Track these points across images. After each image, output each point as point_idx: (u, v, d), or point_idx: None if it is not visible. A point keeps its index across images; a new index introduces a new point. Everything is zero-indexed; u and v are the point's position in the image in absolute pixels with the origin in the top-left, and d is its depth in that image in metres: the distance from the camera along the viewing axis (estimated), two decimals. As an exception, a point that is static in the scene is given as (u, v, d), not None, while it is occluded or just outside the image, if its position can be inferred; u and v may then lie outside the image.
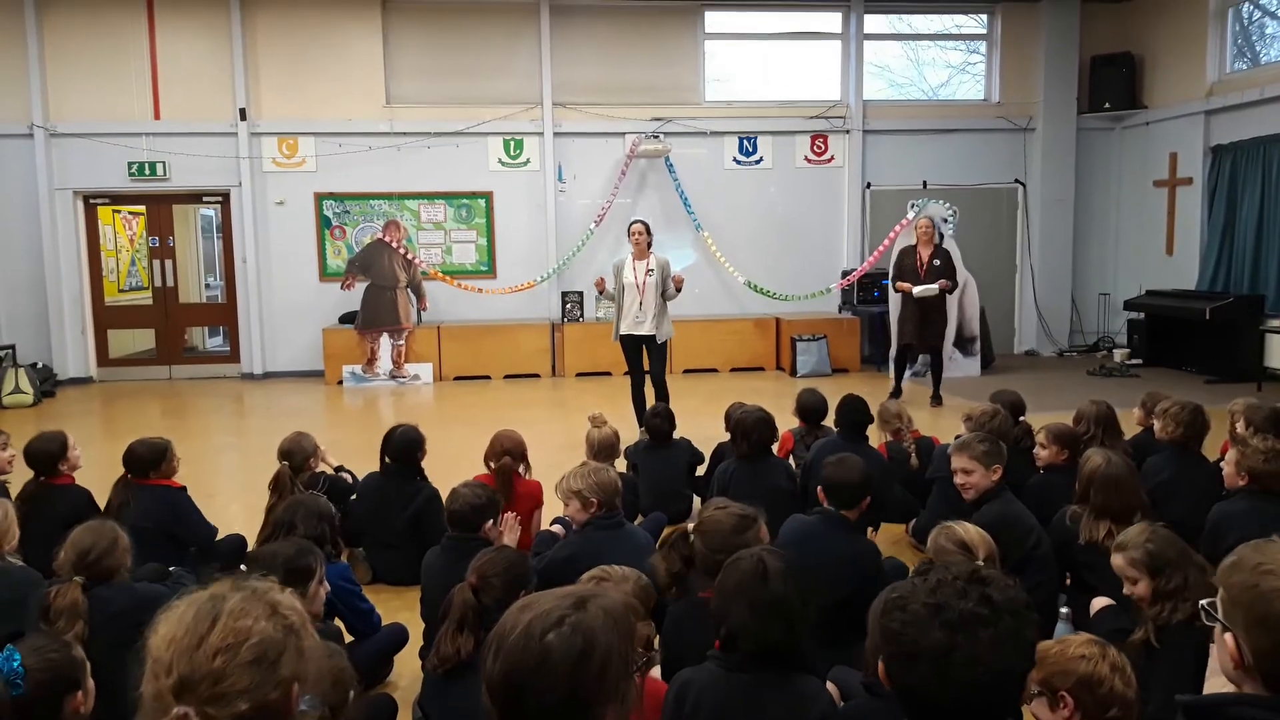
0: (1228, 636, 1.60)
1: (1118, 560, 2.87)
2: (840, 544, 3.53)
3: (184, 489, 4.56)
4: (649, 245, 7.35)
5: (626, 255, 7.42)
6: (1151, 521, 3.08)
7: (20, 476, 4.47)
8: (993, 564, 2.78)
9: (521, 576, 2.86)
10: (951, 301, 9.99)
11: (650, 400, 7.20)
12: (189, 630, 1.41)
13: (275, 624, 1.45)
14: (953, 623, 1.47)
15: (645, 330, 7.23)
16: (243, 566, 2.85)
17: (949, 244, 10.03)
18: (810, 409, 5.56)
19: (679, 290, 7.31)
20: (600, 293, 7.43)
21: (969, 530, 2.92)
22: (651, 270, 7.21)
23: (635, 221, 7.56)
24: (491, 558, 2.91)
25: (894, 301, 9.74)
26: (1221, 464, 4.01)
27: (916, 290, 8.77)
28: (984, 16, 12.59)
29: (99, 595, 2.93)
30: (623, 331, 7.30)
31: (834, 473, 3.67)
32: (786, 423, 5.60)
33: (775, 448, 4.92)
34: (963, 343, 10.76)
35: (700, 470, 5.55)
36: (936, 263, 8.85)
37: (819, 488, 3.75)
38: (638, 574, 2.87)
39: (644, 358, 7.36)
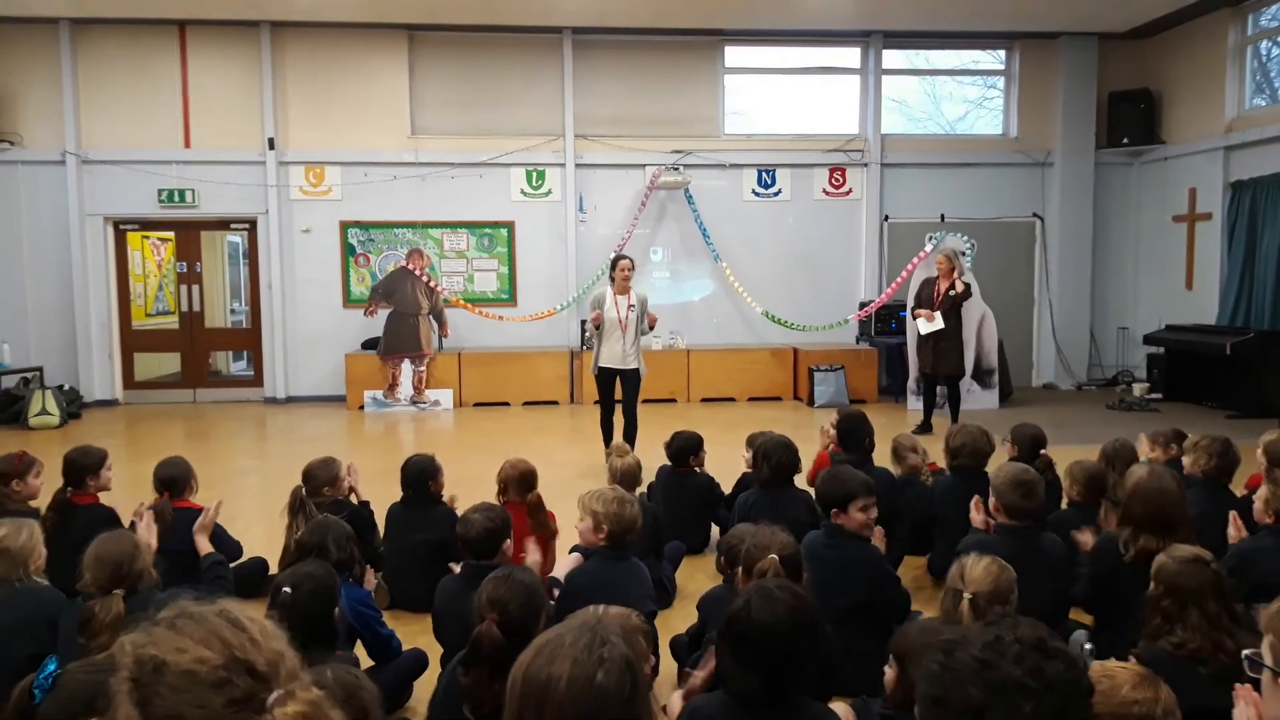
0: None
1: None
2: (843, 553, 3.65)
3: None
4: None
5: (606, 290, 7.54)
6: (1194, 540, 3.04)
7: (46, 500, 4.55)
8: (995, 600, 2.73)
9: (540, 599, 2.73)
10: (970, 333, 10.08)
11: (619, 430, 7.48)
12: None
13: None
14: (994, 684, 1.40)
15: (628, 365, 7.41)
16: (286, 589, 2.86)
17: (968, 277, 10.11)
18: (849, 432, 5.34)
19: (652, 328, 7.54)
20: (596, 328, 7.47)
21: (975, 566, 2.81)
22: (633, 305, 7.41)
23: (624, 258, 7.69)
24: (508, 585, 2.70)
25: (911, 331, 9.84)
26: (1253, 498, 3.98)
27: (922, 328, 9.19)
28: (1002, 53, 12.68)
29: (139, 602, 2.97)
30: (603, 364, 7.45)
31: (821, 486, 3.88)
32: (808, 455, 5.60)
33: (800, 478, 4.92)
34: (981, 375, 10.76)
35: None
36: (952, 293, 9.05)
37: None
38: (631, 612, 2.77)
39: (615, 389, 7.52)
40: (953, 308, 9.07)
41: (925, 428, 9.07)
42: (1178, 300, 11.88)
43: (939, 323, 9.06)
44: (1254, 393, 9.96)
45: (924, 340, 9.26)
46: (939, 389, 9.52)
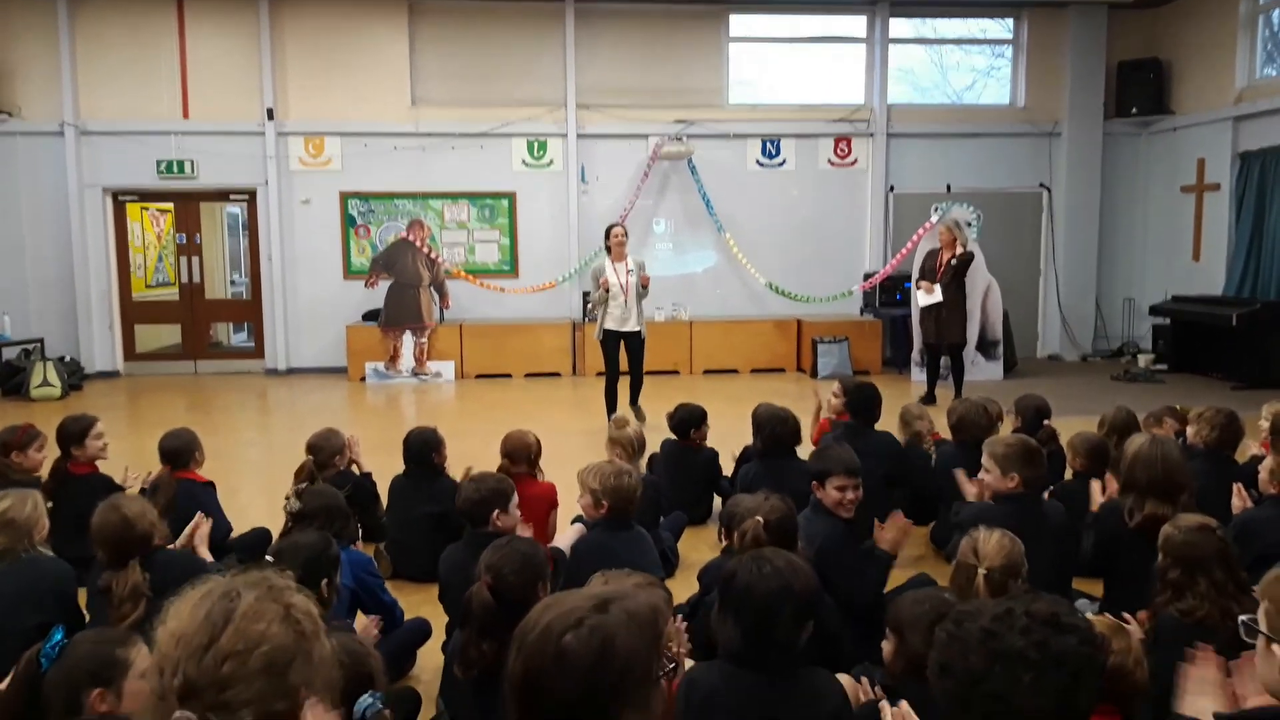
0: (1275, 649, 1.57)
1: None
2: (815, 527, 3.58)
3: (211, 484, 4.63)
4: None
5: (604, 260, 7.88)
6: (1195, 506, 3.03)
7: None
8: (1009, 574, 2.72)
9: (538, 567, 2.76)
10: (975, 304, 10.05)
11: (624, 397, 7.95)
12: (200, 629, 1.35)
13: (288, 629, 1.38)
14: (996, 653, 1.43)
15: (630, 327, 7.78)
16: (268, 558, 2.86)
17: (972, 248, 10.07)
18: (860, 402, 5.20)
19: (646, 289, 7.83)
20: (606, 291, 7.72)
21: (988, 541, 2.78)
22: (631, 270, 7.77)
23: (617, 226, 8.02)
24: (504, 552, 2.76)
25: (914, 302, 9.82)
26: (1258, 468, 3.95)
27: (920, 300, 9.25)
28: (1010, 21, 12.52)
29: (155, 565, 3.08)
30: (608, 328, 7.80)
31: (810, 456, 3.77)
32: (809, 425, 5.58)
33: (803, 448, 4.90)
34: (985, 346, 10.72)
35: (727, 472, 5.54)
36: (954, 263, 9.06)
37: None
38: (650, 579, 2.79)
39: (620, 354, 7.86)
40: (954, 278, 9.05)
41: (929, 399, 9.06)
42: (1184, 271, 11.81)
43: (937, 295, 9.08)
44: (1260, 364, 9.91)
45: (926, 311, 9.28)
46: (943, 360, 9.50)
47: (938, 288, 9.08)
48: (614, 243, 7.82)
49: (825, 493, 3.71)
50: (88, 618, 3.29)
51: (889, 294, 11.67)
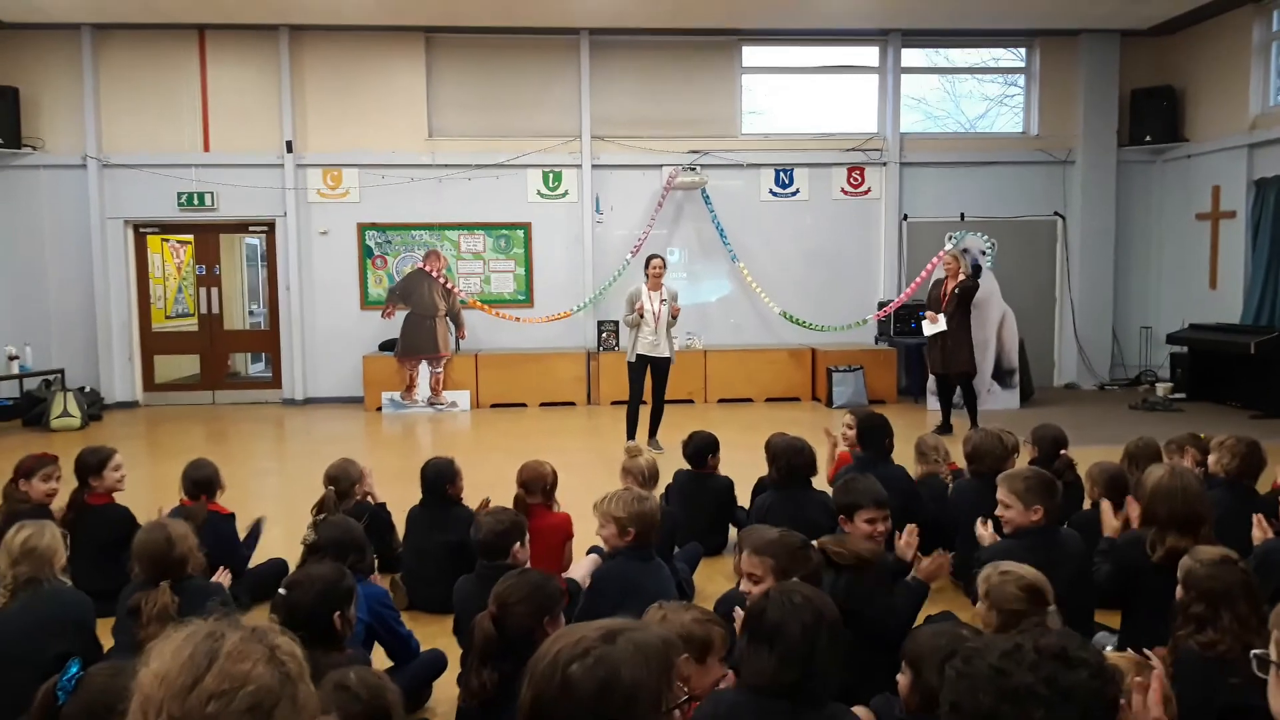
0: None
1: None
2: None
3: (232, 515, 4.67)
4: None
5: (641, 286, 8.34)
6: (1214, 538, 3.00)
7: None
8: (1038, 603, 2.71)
9: (547, 599, 2.78)
10: (989, 332, 10.06)
11: (644, 422, 8.40)
12: (184, 669, 1.33)
13: (273, 670, 1.36)
14: (1006, 692, 1.40)
15: (661, 353, 8.24)
16: (281, 590, 2.87)
17: (985, 276, 10.09)
18: (868, 431, 5.20)
19: (674, 318, 8.30)
20: (640, 317, 8.18)
21: (1025, 572, 2.79)
22: (665, 300, 8.22)
23: (656, 256, 8.49)
24: (513, 583, 2.80)
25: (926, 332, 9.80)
26: (1278, 498, 3.92)
27: (926, 330, 9.31)
28: (1022, 50, 12.58)
29: (187, 591, 3.18)
30: (640, 352, 8.25)
31: (835, 491, 3.73)
32: (825, 456, 5.56)
33: (820, 479, 4.89)
34: (1001, 375, 10.68)
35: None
36: (957, 292, 9.08)
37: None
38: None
39: (646, 379, 8.33)
40: (959, 305, 9.04)
41: (945, 428, 9.03)
42: (1201, 299, 11.75)
43: (941, 324, 9.09)
44: (1278, 392, 9.83)
45: (933, 340, 9.28)
46: (957, 389, 9.47)
47: (942, 317, 9.10)
48: (652, 273, 8.28)
49: (854, 526, 3.67)
50: (105, 648, 3.31)
51: (903, 323, 11.64)
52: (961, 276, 9.12)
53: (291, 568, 4.48)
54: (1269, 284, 10.72)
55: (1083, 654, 1.48)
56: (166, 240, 12.47)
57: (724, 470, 5.62)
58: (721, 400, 11.48)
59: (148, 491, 4.91)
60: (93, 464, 4.60)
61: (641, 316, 8.16)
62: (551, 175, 11.97)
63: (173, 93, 11.54)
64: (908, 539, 3.78)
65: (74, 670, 2.21)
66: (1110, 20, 11.71)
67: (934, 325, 9.18)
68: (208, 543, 4.26)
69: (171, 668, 1.33)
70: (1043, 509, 3.65)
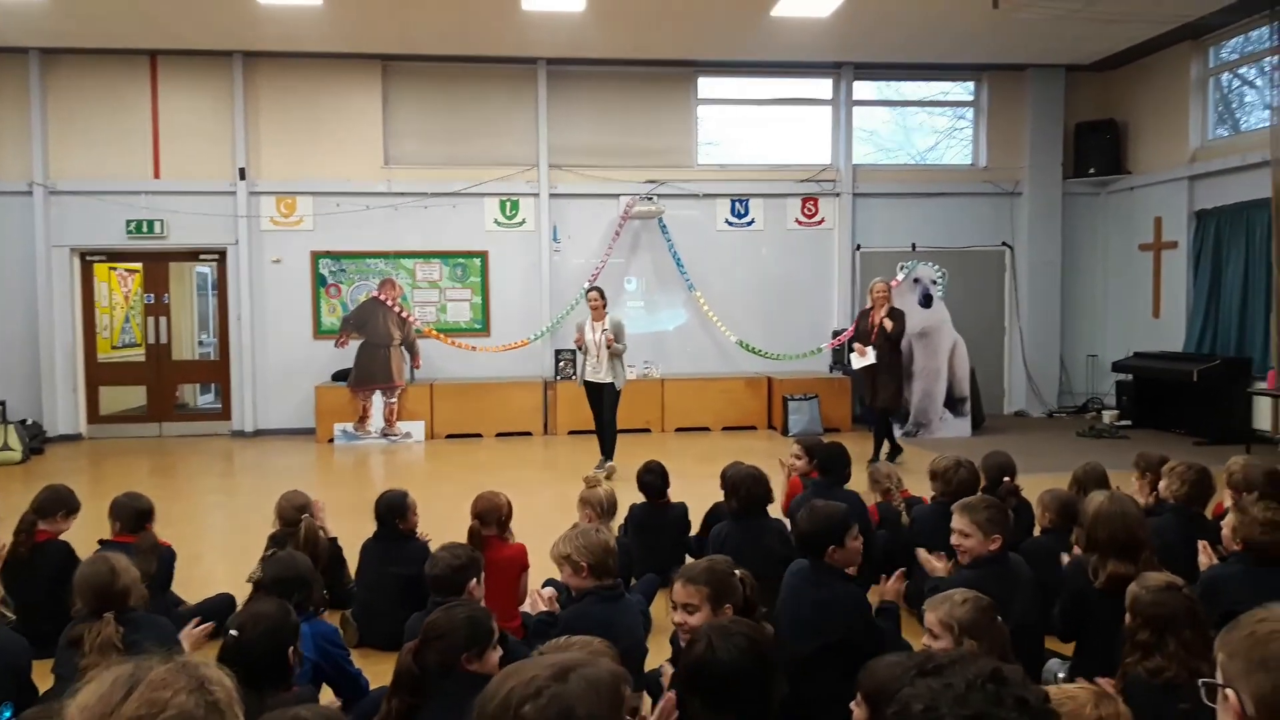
0: (1230, 694, 1.58)
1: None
2: (816, 591, 3.47)
3: (171, 549, 4.56)
4: (604, 308, 8.69)
5: (586, 317, 8.73)
6: (1156, 563, 3.04)
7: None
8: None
9: (474, 636, 2.70)
10: (940, 361, 10.16)
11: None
12: (105, 697, 1.34)
13: (199, 699, 1.35)
14: None
15: (601, 378, 8.58)
16: (231, 632, 2.80)
17: (936, 306, 10.23)
18: (829, 461, 5.32)
19: (609, 348, 8.50)
20: (580, 348, 8.72)
21: (954, 606, 2.78)
22: (606, 330, 8.51)
23: (593, 289, 8.81)
24: (439, 618, 2.74)
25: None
26: (1222, 524, 3.99)
27: (854, 363, 9.35)
28: (971, 84, 12.87)
29: (131, 622, 3.17)
30: (586, 378, 8.78)
31: (808, 525, 3.64)
32: (781, 484, 5.58)
33: (773, 507, 4.89)
34: (953, 403, 10.82)
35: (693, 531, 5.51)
36: (888, 324, 9.02)
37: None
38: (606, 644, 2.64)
39: (600, 401, 8.69)
40: (886, 339, 9.03)
41: (893, 454, 9.06)
42: (1145, 328, 12.03)
43: (870, 358, 9.07)
44: (1220, 419, 10.07)
45: (864, 372, 9.27)
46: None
47: (870, 350, 9.08)
48: (590, 305, 8.67)
49: (846, 550, 3.62)
50: (41, 691, 3.20)
51: (858, 351, 11.75)
52: (886, 307, 9.07)
53: (238, 604, 4.40)
54: (1210, 313, 11.01)
55: (1008, 671, 1.45)
56: (114, 268, 12.23)
57: (682, 498, 5.60)
58: (679, 429, 11.49)
59: (89, 528, 4.76)
60: (55, 505, 4.49)
61: (581, 347, 8.64)
62: (509, 204, 11.97)
63: (123, 119, 11.37)
64: (895, 584, 3.89)
65: (6, 716, 2.15)
66: (1055, 55, 12.04)
67: (862, 359, 9.17)
68: (161, 575, 4.19)
69: (92, 697, 1.35)
70: (1001, 538, 3.71)
